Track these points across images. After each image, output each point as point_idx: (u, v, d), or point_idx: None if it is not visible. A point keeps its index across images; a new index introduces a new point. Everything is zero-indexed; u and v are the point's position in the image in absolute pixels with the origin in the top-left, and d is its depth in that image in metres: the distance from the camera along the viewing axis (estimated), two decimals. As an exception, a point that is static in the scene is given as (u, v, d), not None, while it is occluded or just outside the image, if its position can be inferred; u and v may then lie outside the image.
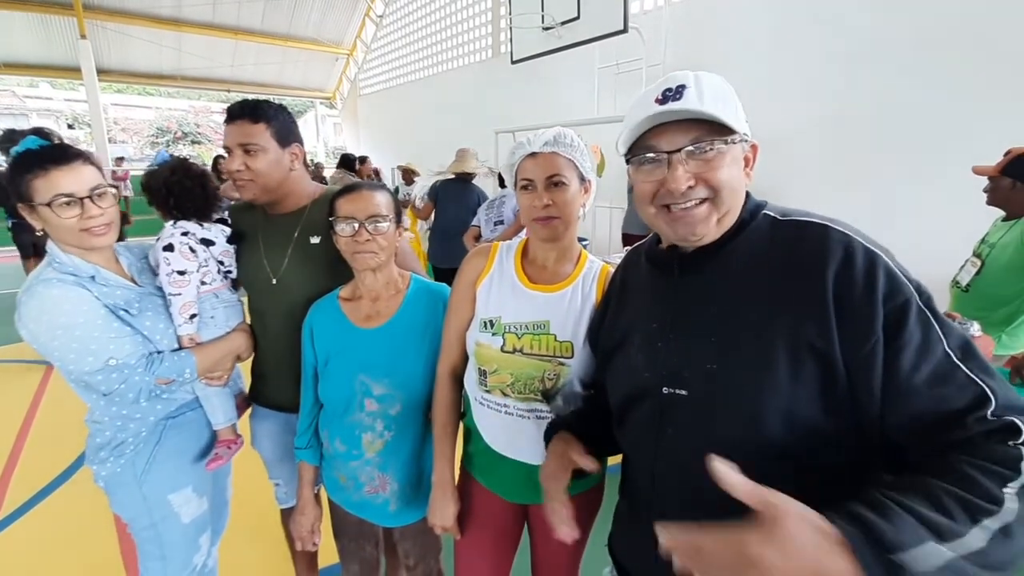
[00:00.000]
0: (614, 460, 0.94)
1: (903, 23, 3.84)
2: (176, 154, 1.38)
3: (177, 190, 1.25)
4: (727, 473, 0.49)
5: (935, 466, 0.53)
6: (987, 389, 0.56)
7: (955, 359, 0.58)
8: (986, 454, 0.52)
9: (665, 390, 0.73)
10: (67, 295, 1.06)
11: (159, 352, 1.18)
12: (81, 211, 1.07)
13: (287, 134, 1.28)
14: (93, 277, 1.12)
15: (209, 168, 1.63)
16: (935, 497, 0.48)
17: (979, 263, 2.06)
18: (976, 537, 0.46)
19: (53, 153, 1.06)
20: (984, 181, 2.07)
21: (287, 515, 1.53)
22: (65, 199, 1.05)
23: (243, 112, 1.22)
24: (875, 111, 4.04)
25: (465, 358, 1.13)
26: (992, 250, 2.03)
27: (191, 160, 1.34)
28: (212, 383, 1.29)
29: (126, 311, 1.15)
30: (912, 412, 0.58)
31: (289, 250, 1.32)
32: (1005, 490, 0.49)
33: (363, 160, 7.10)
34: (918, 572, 0.44)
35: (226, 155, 1.25)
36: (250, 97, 1.30)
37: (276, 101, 1.32)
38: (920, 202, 3.83)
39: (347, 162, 6.01)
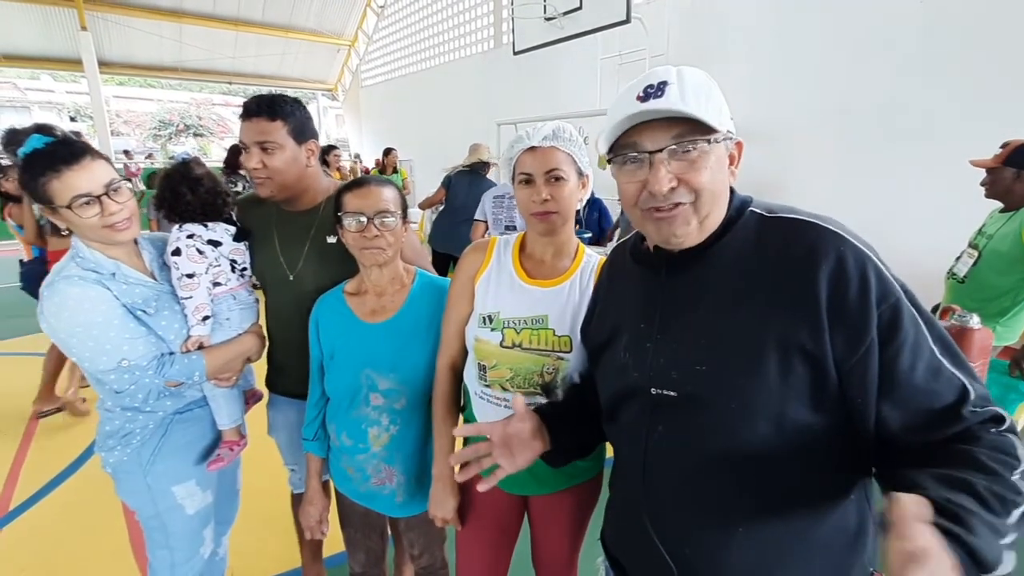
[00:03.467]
0: (611, 453, 0.95)
1: (908, 13, 3.80)
2: (184, 149, 1.36)
3: (169, 196, 1.25)
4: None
5: (959, 457, 0.56)
6: (965, 382, 0.60)
7: (938, 354, 0.61)
8: (991, 443, 0.57)
9: (654, 391, 0.73)
10: (86, 294, 1.06)
11: (171, 353, 1.19)
12: (101, 209, 1.06)
13: (303, 130, 1.27)
14: (114, 274, 1.12)
15: (222, 161, 1.60)
16: (982, 496, 0.52)
17: (976, 254, 2.06)
18: (1011, 525, 0.52)
19: (62, 152, 1.05)
20: (982, 174, 2.07)
21: (298, 500, 1.55)
22: (84, 199, 1.04)
23: (260, 109, 1.21)
24: (880, 103, 4.01)
25: (464, 352, 1.15)
26: (990, 241, 2.03)
27: (193, 160, 1.31)
28: (221, 384, 1.30)
29: (143, 311, 1.15)
30: (911, 408, 0.60)
31: (305, 248, 1.33)
32: (1014, 478, 0.54)
33: (388, 152, 7.14)
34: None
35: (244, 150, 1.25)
36: (252, 89, 1.30)
37: (280, 93, 1.31)
38: (926, 194, 3.81)
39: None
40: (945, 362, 0.61)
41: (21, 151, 1.05)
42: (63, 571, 1.95)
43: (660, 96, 0.64)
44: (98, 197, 1.06)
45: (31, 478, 2.52)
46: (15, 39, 11.36)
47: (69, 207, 1.04)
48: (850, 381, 0.62)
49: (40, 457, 2.71)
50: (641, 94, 0.66)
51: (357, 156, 11.11)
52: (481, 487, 0.82)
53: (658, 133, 0.66)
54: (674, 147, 0.65)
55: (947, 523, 0.48)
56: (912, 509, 0.46)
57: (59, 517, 2.25)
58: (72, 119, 23.45)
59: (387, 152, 7.05)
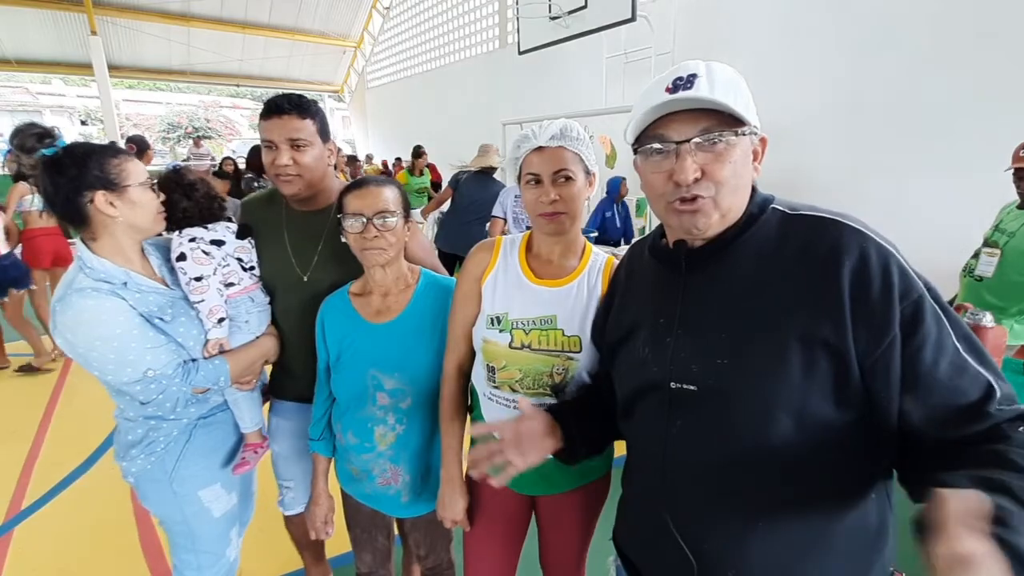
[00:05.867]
0: (620, 451, 0.95)
1: (916, 8, 3.75)
2: (181, 157, 1.39)
3: (164, 205, 1.23)
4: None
5: (991, 457, 0.55)
6: (991, 380, 0.60)
7: (963, 352, 0.61)
8: (1021, 442, 0.56)
9: (673, 385, 0.73)
10: (102, 305, 1.04)
11: (193, 360, 1.17)
12: (157, 194, 1.17)
13: (326, 130, 1.30)
14: (125, 283, 1.10)
15: (245, 163, 1.59)
16: (1018, 497, 0.49)
17: (998, 252, 2.01)
18: None
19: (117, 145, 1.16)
20: (992, 170, 2.02)
21: (291, 521, 1.52)
22: (152, 183, 1.15)
23: (291, 107, 1.22)
24: (888, 99, 3.97)
25: (471, 353, 1.14)
26: (1011, 239, 1.98)
27: (183, 168, 1.31)
28: (242, 388, 1.29)
29: (160, 319, 1.13)
30: (934, 404, 0.61)
31: (319, 247, 1.32)
32: None
33: (418, 154, 6.72)
34: None
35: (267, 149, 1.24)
36: (259, 91, 1.31)
37: (302, 94, 1.31)
38: (933, 191, 3.77)
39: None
40: (970, 360, 0.61)
41: (63, 141, 1.10)
42: (75, 569, 1.97)
43: (690, 88, 0.65)
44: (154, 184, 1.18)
45: (43, 476, 2.55)
46: (27, 44, 11.54)
47: (149, 186, 1.13)
48: (873, 376, 0.62)
49: (52, 455, 2.73)
50: (670, 86, 0.66)
51: (398, 160, 10.24)
52: (494, 482, 0.82)
53: (686, 124, 0.66)
54: (700, 138, 0.65)
55: (991, 526, 0.47)
56: (960, 509, 0.44)
57: (71, 516, 2.27)
58: (83, 123, 23.69)
59: (417, 154, 6.61)
